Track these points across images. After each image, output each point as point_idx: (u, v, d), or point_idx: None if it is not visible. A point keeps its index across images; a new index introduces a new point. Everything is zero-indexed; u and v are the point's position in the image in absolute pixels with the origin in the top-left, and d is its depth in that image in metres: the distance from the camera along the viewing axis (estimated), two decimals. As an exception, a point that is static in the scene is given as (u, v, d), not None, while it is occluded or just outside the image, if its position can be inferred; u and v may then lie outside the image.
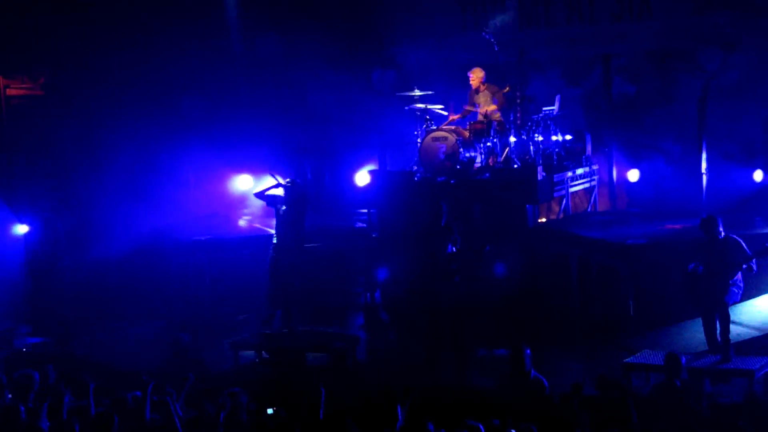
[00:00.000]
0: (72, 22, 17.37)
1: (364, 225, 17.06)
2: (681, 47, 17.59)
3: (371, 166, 17.92)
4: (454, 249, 13.68)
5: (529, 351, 10.93)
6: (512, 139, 16.08)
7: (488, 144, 16.00)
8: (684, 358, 10.75)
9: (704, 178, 16.76)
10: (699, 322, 12.37)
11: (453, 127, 16.16)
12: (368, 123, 18.67)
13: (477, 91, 16.47)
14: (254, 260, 15.67)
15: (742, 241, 11.99)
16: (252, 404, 10.07)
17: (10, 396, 10.14)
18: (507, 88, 16.34)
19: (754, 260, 11.82)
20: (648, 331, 13.50)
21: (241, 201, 18.39)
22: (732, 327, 12.04)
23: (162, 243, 16.95)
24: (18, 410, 9.25)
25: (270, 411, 9.89)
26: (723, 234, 12.02)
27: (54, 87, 17.94)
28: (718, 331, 11.95)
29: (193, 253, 16.61)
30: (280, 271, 14.25)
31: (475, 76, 16.37)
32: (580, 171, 17.16)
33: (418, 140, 16.23)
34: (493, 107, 16.34)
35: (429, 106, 16.38)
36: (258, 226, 17.63)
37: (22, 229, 16.55)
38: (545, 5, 18.21)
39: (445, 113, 16.72)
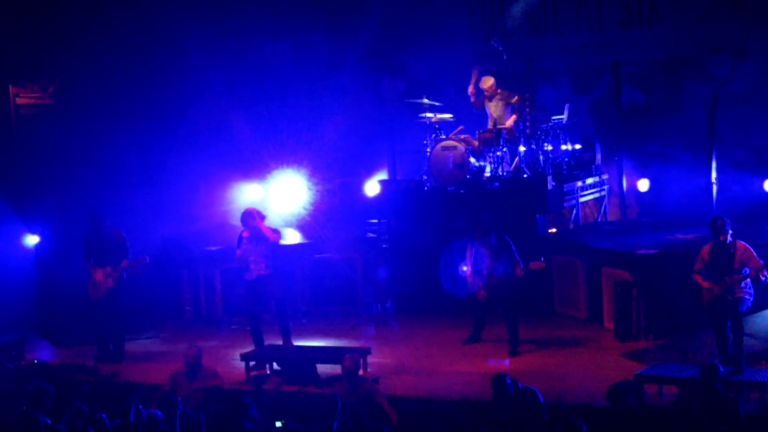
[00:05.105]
0: (81, 31, 17.40)
1: (375, 235, 17.06)
2: (690, 55, 17.58)
3: (381, 176, 17.92)
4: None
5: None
6: (522, 148, 16.08)
7: (498, 153, 15.98)
8: (697, 369, 10.72)
9: (714, 186, 16.74)
10: (710, 332, 12.33)
11: (462, 137, 16.11)
12: (378, 132, 18.66)
13: (490, 98, 16.42)
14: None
15: (751, 248, 11.85)
16: (261, 416, 10.09)
17: (24, 408, 10.13)
18: (516, 98, 16.29)
19: (764, 269, 11.71)
20: (659, 342, 13.51)
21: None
22: (744, 338, 11.98)
23: (173, 253, 16.96)
24: (37, 420, 9.26)
25: (279, 423, 9.90)
26: (730, 238, 11.91)
27: (64, 96, 17.95)
28: (729, 342, 11.89)
29: (204, 264, 16.63)
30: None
31: (487, 85, 16.32)
32: (590, 180, 17.17)
33: (428, 149, 16.21)
34: (511, 120, 16.25)
35: (438, 115, 16.36)
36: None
37: (32, 239, 16.56)
38: (554, 13, 18.22)
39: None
